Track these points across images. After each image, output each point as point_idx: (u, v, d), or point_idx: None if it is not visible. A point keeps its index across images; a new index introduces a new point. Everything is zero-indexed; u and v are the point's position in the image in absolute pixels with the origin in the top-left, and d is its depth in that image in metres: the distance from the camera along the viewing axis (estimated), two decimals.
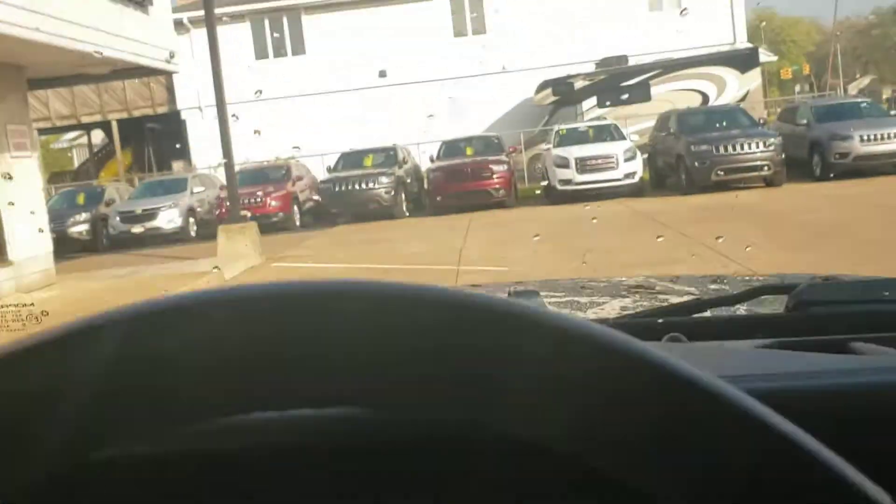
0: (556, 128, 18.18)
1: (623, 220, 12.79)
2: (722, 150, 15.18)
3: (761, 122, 17.05)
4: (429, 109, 20.60)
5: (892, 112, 19.83)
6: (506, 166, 16.98)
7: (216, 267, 10.42)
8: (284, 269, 11.04)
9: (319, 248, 13.48)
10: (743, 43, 22.84)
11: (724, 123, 16.33)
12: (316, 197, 18.18)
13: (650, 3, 23.16)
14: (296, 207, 17.89)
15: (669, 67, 20.76)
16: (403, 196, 17.40)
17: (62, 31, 9.47)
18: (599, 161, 16.21)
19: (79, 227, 17.74)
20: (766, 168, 15.19)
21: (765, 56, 24.17)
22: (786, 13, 39.85)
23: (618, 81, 20.85)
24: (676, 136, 16.20)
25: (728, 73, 20.56)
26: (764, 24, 36.24)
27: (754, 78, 21.03)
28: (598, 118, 19.77)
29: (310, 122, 21.75)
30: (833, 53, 34.32)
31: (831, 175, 15.15)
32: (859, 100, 18.76)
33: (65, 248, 15.01)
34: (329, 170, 18.24)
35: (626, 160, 16.25)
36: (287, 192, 17.71)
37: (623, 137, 17.12)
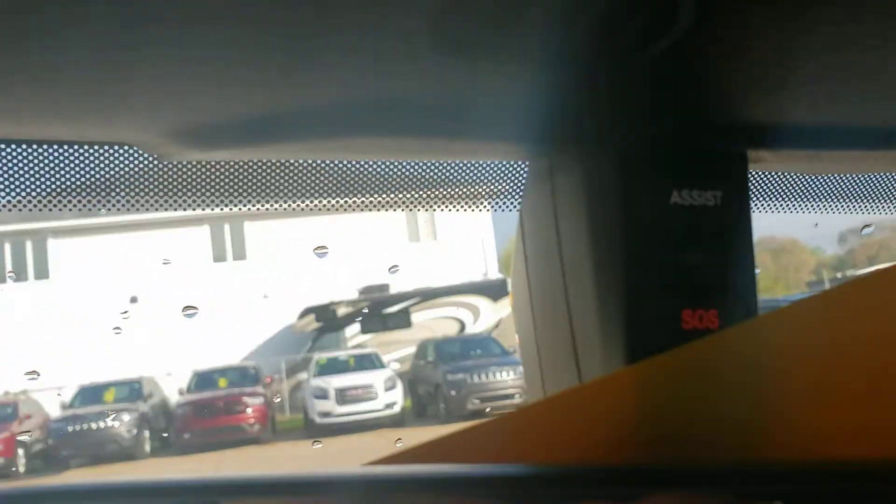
0: (315, 357, 17.86)
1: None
2: (476, 378, 15.51)
3: (512, 350, 17.82)
4: (185, 337, 19.62)
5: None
6: (261, 399, 16.17)
7: None
8: None
9: None
10: (494, 274, 24.35)
11: (479, 352, 16.83)
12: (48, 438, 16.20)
13: (409, 234, 24.31)
14: (21, 451, 15.77)
15: (428, 295, 21.47)
16: (147, 434, 15.94)
17: None
18: (360, 391, 15.93)
19: None
20: (517, 396, 15.65)
21: None
22: None
23: (380, 308, 21.17)
24: (434, 364, 16.42)
25: (482, 302, 21.58)
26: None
27: (506, 306, 22.23)
28: (360, 345, 19.75)
29: (53, 350, 19.87)
30: None
31: None
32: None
33: None
34: (63, 406, 16.48)
35: (387, 390, 16.09)
36: (11, 435, 15.64)
37: (383, 366, 17.07)
